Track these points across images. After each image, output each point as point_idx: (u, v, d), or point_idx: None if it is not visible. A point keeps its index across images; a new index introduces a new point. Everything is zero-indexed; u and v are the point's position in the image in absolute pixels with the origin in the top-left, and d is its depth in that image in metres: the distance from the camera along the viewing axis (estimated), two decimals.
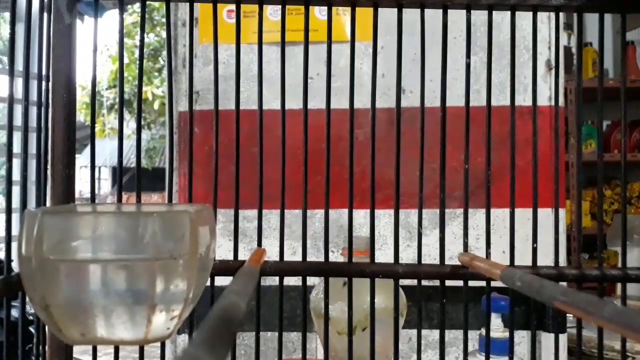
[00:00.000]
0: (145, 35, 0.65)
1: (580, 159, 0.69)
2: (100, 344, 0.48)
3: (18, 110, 0.60)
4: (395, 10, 0.67)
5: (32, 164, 0.64)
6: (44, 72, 0.65)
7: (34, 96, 0.64)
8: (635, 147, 2.65)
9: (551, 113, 1.23)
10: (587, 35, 2.60)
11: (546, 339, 1.18)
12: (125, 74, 0.69)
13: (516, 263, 0.66)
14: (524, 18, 0.68)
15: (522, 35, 1.15)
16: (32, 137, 0.64)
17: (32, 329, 0.67)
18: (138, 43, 0.68)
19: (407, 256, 1.18)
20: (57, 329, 0.46)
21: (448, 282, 0.66)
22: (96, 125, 0.69)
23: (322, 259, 0.66)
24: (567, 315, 1.24)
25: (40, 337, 0.63)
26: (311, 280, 0.69)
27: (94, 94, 0.66)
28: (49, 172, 0.65)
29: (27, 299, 0.52)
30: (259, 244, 0.66)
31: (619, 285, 0.72)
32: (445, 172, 0.66)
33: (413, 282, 0.66)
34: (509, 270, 0.52)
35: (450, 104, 0.67)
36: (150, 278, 0.44)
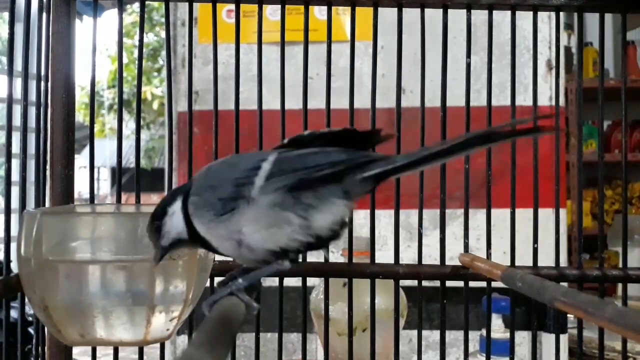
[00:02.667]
0: (145, 35, 0.65)
1: (581, 159, 0.69)
2: (99, 344, 0.48)
3: (17, 110, 0.60)
4: (395, 10, 0.67)
5: (31, 165, 0.64)
6: (42, 73, 0.65)
7: (32, 96, 0.64)
8: (636, 147, 2.65)
9: (552, 113, 1.23)
10: (588, 35, 2.60)
11: (547, 340, 1.17)
12: (125, 74, 0.69)
13: (517, 263, 0.66)
14: (524, 18, 0.68)
15: (522, 35, 1.14)
16: (31, 138, 0.64)
17: (31, 330, 0.67)
18: (137, 43, 0.68)
19: (408, 257, 1.17)
20: (56, 330, 0.46)
21: (449, 283, 0.66)
22: (95, 125, 0.69)
23: (322, 259, 0.66)
24: (568, 315, 1.24)
25: (39, 338, 0.63)
26: (311, 281, 0.68)
27: (93, 94, 0.66)
28: (48, 172, 0.65)
29: (27, 300, 0.51)
30: None
31: (619, 286, 0.72)
32: (445, 172, 0.66)
33: (413, 282, 0.66)
34: (509, 271, 0.52)
35: (451, 103, 0.66)
36: (150, 279, 0.44)
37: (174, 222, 0.40)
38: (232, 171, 0.39)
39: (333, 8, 0.67)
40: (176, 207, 0.40)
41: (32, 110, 0.64)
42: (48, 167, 0.65)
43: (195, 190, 0.40)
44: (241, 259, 0.40)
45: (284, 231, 0.37)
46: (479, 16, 0.69)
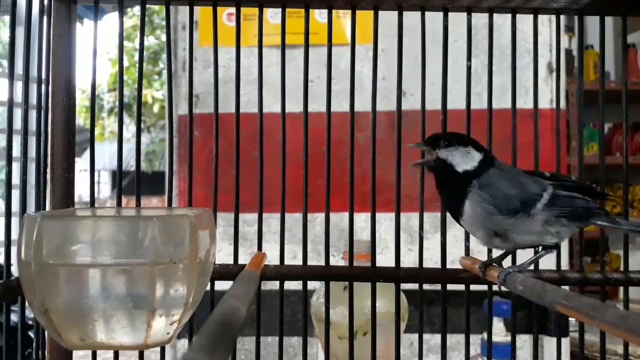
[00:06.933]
0: (145, 39, 0.65)
1: (582, 161, 0.69)
2: (100, 348, 0.48)
3: (18, 113, 0.60)
4: (396, 13, 0.67)
5: (32, 168, 0.64)
6: (43, 76, 0.65)
7: (33, 100, 0.64)
8: (637, 150, 2.65)
9: (552, 116, 1.23)
10: (588, 37, 2.60)
11: (548, 343, 1.17)
12: (125, 77, 0.69)
13: None
14: (525, 21, 0.68)
15: (523, 38, 1.15)
16: (32, 141, 0.64)
17: (31, 334, 0.67)
18: (138, 46, 0.68)
19: (409, 260, 1.17)
20: (57, 334, 0.45)
21: (450, 286, 0.66)
22: (96, 128, 0.69)
23: (322, 263, 0.66)
24: (570, 318, 1.24)
25: (39, 342, 0.63)
26: (312, 285, 0.68)
27: (93, 97, 0.66)
28: (48, 175, 0.65)
29: (27, 304, 0.51)
30: (259, 248, 0.66)
31: (621, 289, 0.71)
32: None
33: (414, 286, 0.66)
34: (510, 274, 0.52)
35: (451, 106, 0.66)
36: (150, 282, 0.44)
37: (461, 160, 0.56)
38: (521, 190, 0.55)
39: (333, 11, 0.67)
40: (476, 157, 0.56)
41: (32, 114, 0.64)
42: (48, 170, 0.64)
43: (489, 183, 0.55)
44: (487, 244, 0.58)
45: (543, 237, 0.56)
46: (480, 19, 0.69)
